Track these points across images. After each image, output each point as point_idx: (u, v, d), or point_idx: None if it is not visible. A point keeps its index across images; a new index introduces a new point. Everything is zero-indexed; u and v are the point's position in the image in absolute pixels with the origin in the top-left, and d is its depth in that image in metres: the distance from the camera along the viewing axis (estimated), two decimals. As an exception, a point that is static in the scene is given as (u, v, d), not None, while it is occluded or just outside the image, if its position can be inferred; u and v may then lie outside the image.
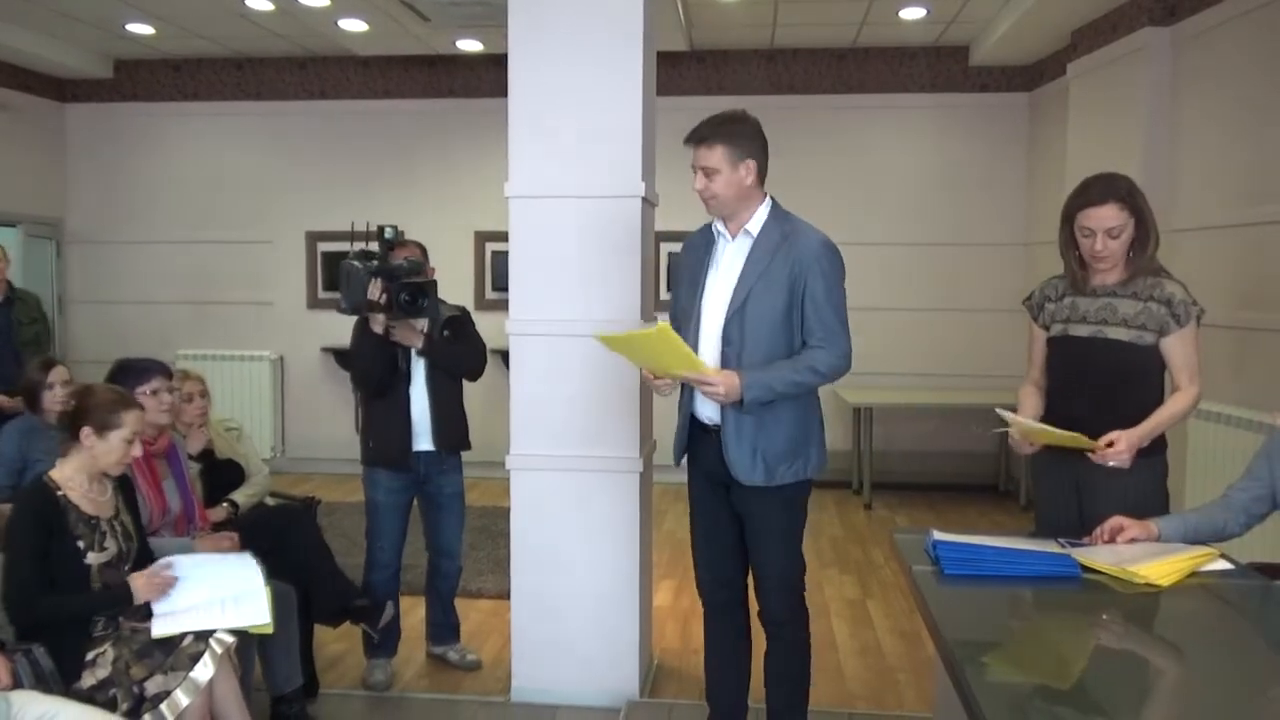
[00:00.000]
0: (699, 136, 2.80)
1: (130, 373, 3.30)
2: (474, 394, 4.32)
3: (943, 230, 7.35)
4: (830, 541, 6.00)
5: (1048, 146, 6.84)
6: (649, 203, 3.72)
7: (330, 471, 7.59)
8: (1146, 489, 2.76)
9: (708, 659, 3.21)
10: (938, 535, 2.40)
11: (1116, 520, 2.44)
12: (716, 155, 2.76)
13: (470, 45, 7.03)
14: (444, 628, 4.08)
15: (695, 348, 2.83)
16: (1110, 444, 2.65)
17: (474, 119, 7.48)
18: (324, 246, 7.79)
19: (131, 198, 7.99)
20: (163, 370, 3.37)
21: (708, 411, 2.91)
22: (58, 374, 3.74)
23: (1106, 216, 2.72)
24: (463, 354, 3.83)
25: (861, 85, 7.42)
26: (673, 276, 7.21)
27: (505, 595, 3.97)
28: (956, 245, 7.35)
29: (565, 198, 3.59)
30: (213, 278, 7.93)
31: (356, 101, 7.79)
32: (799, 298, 2.77)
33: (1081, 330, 2.84)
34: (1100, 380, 2.80)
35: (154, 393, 3.26)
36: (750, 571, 3.04)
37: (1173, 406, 2.76)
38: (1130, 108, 5.48)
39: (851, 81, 7.43)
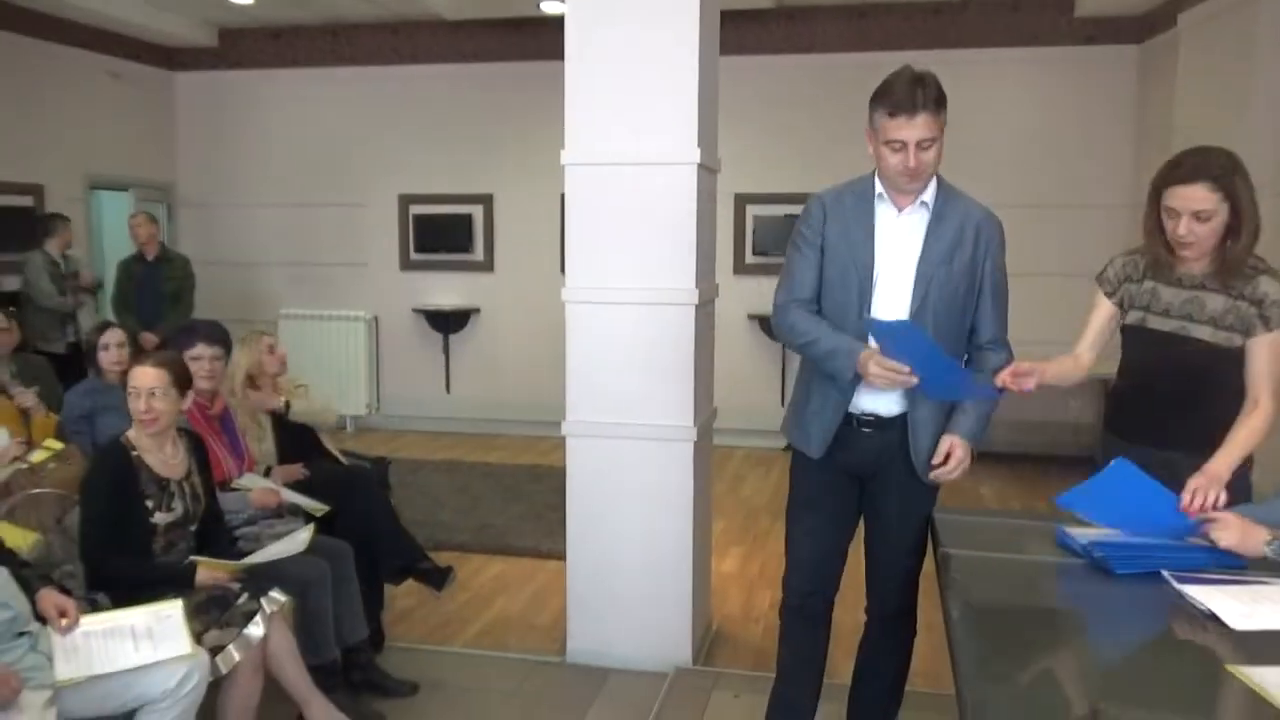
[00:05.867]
0: None
1: (181, 335, 3.48)
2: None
3: (1044, 192, 7.01)
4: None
5: (1157, 103, 6.44)
6: (707, 169, 3.66)
7: (421, 429, 7.81)
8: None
9: (788, 671, 2.96)
10: (1073, 532, 2.27)
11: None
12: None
13: (554, 8, 7.02)
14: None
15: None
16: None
17: (561, 82, 7.45)
18: (416, 210, 7.95)
19: (236, 162, 8.31)
20: (208, 336, 3.48)
21: (875, 405, 2.62)
22: (111, 335, 3.89)
23: (1194, 198, 2.34)
24: None
25: (958, 40, 7.09)
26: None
27: (568, 557, 4.03)
28: (1059, 207, 7.01)
29: (621, 165, 3.57)
30: (311, 239, 8.21)
31: (446, 65, 7.88)
32: None
33: (1163, 325, 2.52)
34: (1177, 383, 2.51)
35: (195, 359, 3.35)
36: (869, 568, 2.86)
37: (1248, 426, 2.38)
38: (1245, 62, 5.12)
39: (947, 37, 7.11)
